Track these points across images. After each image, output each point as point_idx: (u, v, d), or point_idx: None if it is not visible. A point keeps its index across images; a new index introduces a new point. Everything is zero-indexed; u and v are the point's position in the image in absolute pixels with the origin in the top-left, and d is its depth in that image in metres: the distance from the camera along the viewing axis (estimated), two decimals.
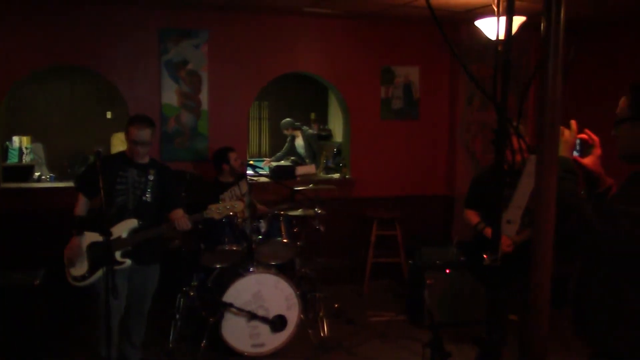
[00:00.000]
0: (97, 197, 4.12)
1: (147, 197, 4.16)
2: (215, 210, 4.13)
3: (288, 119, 9.07)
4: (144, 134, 4.14)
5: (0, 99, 5.73)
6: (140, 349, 4.40)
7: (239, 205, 4.20)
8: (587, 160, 2.23)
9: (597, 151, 2.24)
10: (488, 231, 4.43)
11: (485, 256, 4.19)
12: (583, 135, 2.25)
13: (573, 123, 2.21)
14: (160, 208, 4.24)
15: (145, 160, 4.26)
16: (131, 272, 4.14)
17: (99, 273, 4.00)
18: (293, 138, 9.04)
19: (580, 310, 2.14)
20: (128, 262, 4.01)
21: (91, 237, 4.08)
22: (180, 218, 4.09)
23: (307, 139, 8.86)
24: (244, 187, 5.44)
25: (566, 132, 2.18)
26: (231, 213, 4.36)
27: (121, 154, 4.31)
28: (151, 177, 4.20)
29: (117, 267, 3.95)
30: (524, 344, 1.77)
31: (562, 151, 2.15)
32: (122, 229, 4.00)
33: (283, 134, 9.22)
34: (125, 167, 4.15)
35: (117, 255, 3.98)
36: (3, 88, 5.73)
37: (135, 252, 4.08)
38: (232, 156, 5.43)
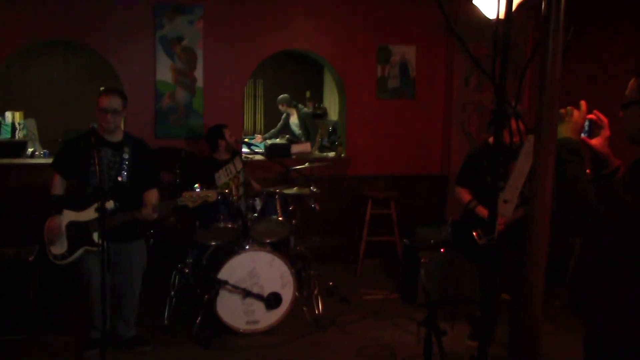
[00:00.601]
0: (74, 178, 4.18)
1: (122, 177, 4.16)
2: (189, 199, 4.11)
3: (285, 95, 9.02)
4: (114, 101, 4.12)
5: None
6: (134, 326, 4.43)
7: (213, 195, 4.18)
8: (595, 141, 2.22)
9: (606, 132, 2.23)
10: (480, 209, 4.45)
11: (475, 234, 4.21)
12: (592, 116, 2.24)
13: (583, 104, 2.19)
14: (138, 187, 4.23)
15: (119, 137, 4.24)
16: (115, 250, 4.11)
17: (79, 252, 4.07)
18: (288, 115, 9.00)
19: (578, 292, 2.15)
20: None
21: (70, 216, 4.11)
22: (146, 208, 4.07)
23: (302, 117, 8.84)
24: (239, 165, 5.44)
25: (575, 113, 2.17)
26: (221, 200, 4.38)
27: (93, 132, 4.25)
28: (126, 156, 4.19)
29: (93, 249, 4.03)
30: (518, 323, 1.78)
31: (570, 132, 2.14)
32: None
33: (278, 109, 9.18)
34: (98, 148, 4.10)
35: (95, 236, 4.02)
36: None
37: (114, 232, 4.04)
38: (227, 132, 5.40)
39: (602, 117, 2.25)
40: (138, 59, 6.01)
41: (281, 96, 9.02)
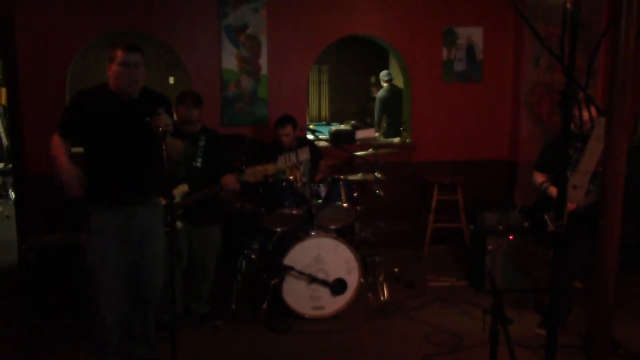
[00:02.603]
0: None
1: (197, 163, 4.38)
2: (250, 174, 4.22)
3: (386, 70, 8.81)
4: (193, 114, 4.38)
5: (66, 66, 5.86)
6: (207, 302, 4.65)
7: (272, 168, 4.27)
8: None
9: None
10: (552, 190, 4.37)
11: (546, 217, 4.12)
12: None
13: None
14: (211, 174, 4.38)
15: (197, 128, 4.47)
16: (190, 233, 4.37)
17: None
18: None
19: None
20: (179, 225, 4.18)
21: None
22: (229, 177, 4.23)
23: (386, 95, 8.54)
24: (302, 156, 5.35)
25: None
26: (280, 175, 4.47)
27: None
28: (202, 143, 4.42)
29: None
30: (590, 312, 1.73)
31: None
32: (175, 194, 4.22)
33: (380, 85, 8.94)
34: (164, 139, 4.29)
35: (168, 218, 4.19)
36: (68, 55, 5.85)
37: (190, 214, 4.29)
38: (282, 131, 5.33)
39: None
40: (204, 48, 6.12)
41: (384, 71, 8.80)
